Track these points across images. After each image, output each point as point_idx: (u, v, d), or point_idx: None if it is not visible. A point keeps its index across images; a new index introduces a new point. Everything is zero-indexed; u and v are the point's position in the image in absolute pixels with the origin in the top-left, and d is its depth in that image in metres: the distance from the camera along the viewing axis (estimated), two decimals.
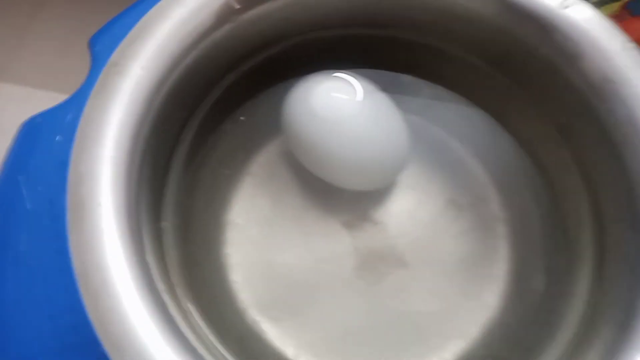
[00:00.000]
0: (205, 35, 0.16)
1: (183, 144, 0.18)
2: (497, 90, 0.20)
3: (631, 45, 0.16)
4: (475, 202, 0.21)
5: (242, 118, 0.20)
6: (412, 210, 0.21)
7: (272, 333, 0.19)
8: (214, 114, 0.19)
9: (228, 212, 0.20)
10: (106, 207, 0.13)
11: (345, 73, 0.19)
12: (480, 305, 0.19)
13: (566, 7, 0.16)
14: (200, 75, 0.17)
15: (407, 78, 0.21)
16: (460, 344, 0.19)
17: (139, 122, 0.15)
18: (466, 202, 0.21)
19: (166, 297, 0.14)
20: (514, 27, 0.17)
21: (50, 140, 0.25)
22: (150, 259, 0.14)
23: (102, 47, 0.26)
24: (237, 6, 0.17)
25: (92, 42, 0.26)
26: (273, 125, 0.20)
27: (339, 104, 0.18)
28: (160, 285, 0.14)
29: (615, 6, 0.28)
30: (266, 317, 0.19)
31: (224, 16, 0.16)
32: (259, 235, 0.20)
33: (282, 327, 0.19)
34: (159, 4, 0.16)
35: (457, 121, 0.21)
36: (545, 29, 0.16)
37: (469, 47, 0.19)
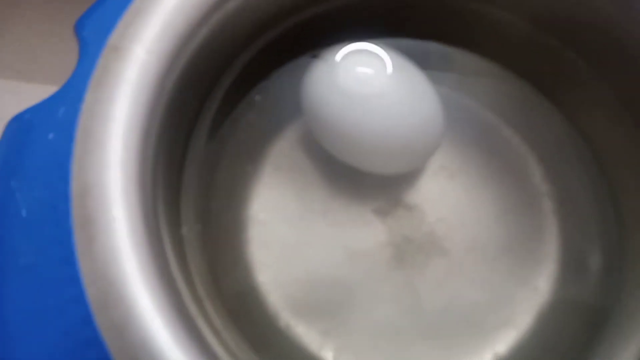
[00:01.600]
0: (215, 8, 0.14)
1: (197, 136, 0.16)
2: (541, 55, 0.18)
3: None
4: (516, 177, 0.19)
5: (257, 97, 0.18)
6: (448, 191, 0.19)
7: (309, 337, 0.17)
8: (229, 98, 0.17)
9: (248, 207, 0.18)
10: (121, 220, 0.11)
11: (370, 44, 0.17)
12: (531, 290, 0.18)
13: None
14: (213, 55, 0.15)
15: (436, 46, 0.19)
16: (512, 334, 0.17)
17: (149, 115, 0.13)
18: (506, 178, 0.19)
19: (200, 322, 0.12)
20: None
21: (42, 139, 0.23)
22: (177, 275, 0.12)
23: (91, 30, 0.23)
24: None
25: (79, 26, 0.24)
26: (290, 108, 0.18)
27: (366, 79, 0.16)
28: (193, 308, 0.12)
29: None
30: (300, 319, 0.18)
31: None
32: (283, 231, 0.18)
33: (319, 330, 0.17)
34: None
35: (493, 92, 0.19)
36: None
37: (511, 6, 0.17)
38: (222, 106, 0.17)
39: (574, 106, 0.18)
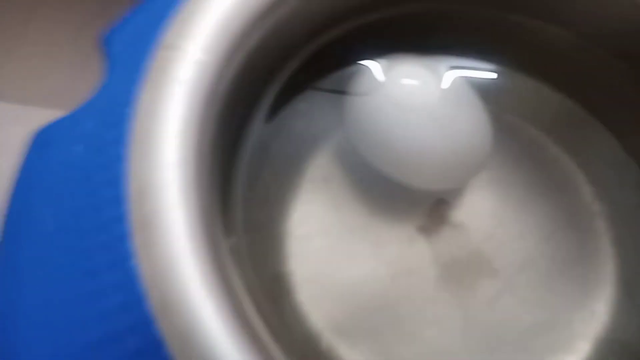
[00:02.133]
0: (268, 12, 0.14)
1: (244, 143, 0.16)
2: (590, 73, 0.17)
3: None
4: (566, 196, 0.18)
5: (302, 105, 0.17)
6: (495, 209, 0.18)
7: (352, 359, 0.16)
8: (276, 104, 0.16)
9: (286, 221, 0.18)
10: (181, 223, 0.11)
11: (419, 58, 0.16)
12: (588, 314, 0.17)
13: None
14: (263, 59, 0.14)
15: (482, 64, 0.19)
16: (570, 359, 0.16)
17: (204, 116, 0.12)
18: (555, 197, 0.18)
19: (262, 332, 0.11)
20: None
21: (68, 152, 0.22)
22: (237, 283, 0.12)
23: (122, 46, 0.23)
24: None
25: (108, 41, 0.23)
26: (331, 119, 0.18)
27: (415, 92, 0.16)
28: (254, 318, 0.11)
29: None
30: (343, 341, 0.17)
31: None
32: (323, 248, 0.18)
33: (363, 352, 0.16)
34: None
35: (540, 110, 0.19)
36: None
37: (559, 20, 0.16)
38: (269, 112, 0.16)
39: (622, 124, 0.18)
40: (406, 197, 0.18)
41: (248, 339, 0.10)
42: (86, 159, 0.22)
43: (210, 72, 0.13)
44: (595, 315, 0.17)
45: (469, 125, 0.17)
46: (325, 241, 0.18)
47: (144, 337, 0.19)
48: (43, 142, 0.23)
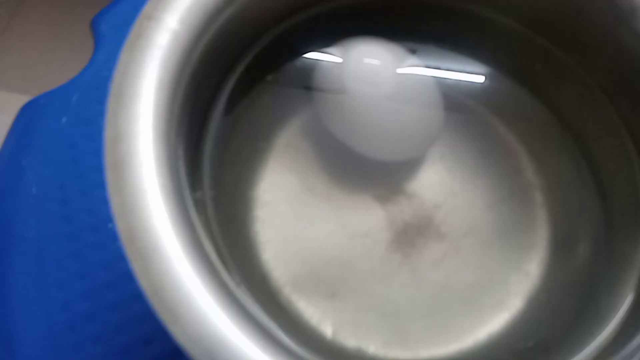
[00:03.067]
0: None
1: (216, 108, 0.17)
2: (531, 54, 0.19)
3: None
4: (509, 171, 0.20)
5: (269, 78, 0.19)
6: (445, 181, 0.20)
7: (309, 312, 0.18)
8: (245, 78, 0.18)
9: (256, 187, 0.19)
10: (148, 165, 0.12)
11: (379, 39, 0.18)
12: (523, 275, 0.18)
13: None
14: (236, 33, 0.16)
15: (430, 47, 0.20)
16: (505, 315, 0.18)
17: (176, 79, 0.14)
18: (499, 171, 0.20)
19: (219, 266, 0.13)
20: None
21: (55, 122, 0.24)
22: (198, 228, 0.13)
23: (108, 26, 0.25)
24: None
25: (95, 22, 0.25)
26: (301, 95, 0.20)
27: (375, 69, 0.18)
28: (213, 255, 0.13)
29: None
30: (301, 296, 0.18)
31: None
32: (288, 212, 0.19)
33: (319, 306, 0.18)
34: None
35: (484, 89, 0.20)
36: None
37: (504, 8, 0.18)
38: (239, 84, 0.18)
39: (562, 101, 0.20)
40: (366, 168, 0.20)
41: (203, 261, 0.12)
42: (71, 130, 0.24)
43: (184, 40, 0.14)
44: (529, 276, 0.18)
45: (423, 104, 0.19)
46: (289, 206, 0.19)
47: (119, 293, 0.20)
48: (30, 113, 0.24)
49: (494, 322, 0.18)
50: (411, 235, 0.19)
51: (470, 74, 0.20)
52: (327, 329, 0.18)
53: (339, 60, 0.18)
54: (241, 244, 0.18)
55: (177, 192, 0.13)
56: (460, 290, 0.18)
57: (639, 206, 0.17)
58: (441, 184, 0.20)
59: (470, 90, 0.20)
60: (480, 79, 0.21)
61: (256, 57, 0.18)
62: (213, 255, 0.14)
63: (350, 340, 0.18)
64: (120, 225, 0.12)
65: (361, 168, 0.20)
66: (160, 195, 0.12)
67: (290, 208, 0.19)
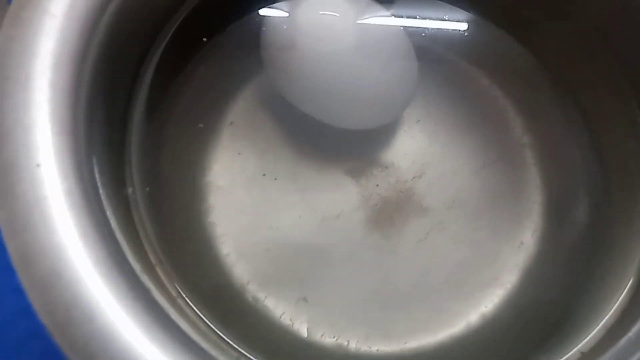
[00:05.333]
0: None
1: (142, 87, 0.14)
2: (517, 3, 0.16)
3: None
4: (495, 130, 0.18)
5: (204, 39, 0.16)
6: (424, 147, 0.17)
7: (279, 311, 0.16)
8: (177, 49, 0.15)
9: (207, 173, 0.17)
10: (48, 167, 0.10)
11: None
12: (516, 246, 0.16)
13: None
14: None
15: None
16: (498, 292, 0.16)
17: (80, 55, 0.11)
18: (484, 131, 0.18)
19: (145, 279, 0.10)
20: None
21: None
22: (119, 235, 0.11)
23: None
24: None
25: None
26: (249, 60, 0.17)
27: (331, 23, 0.15)
28: (137, 266, 0.10)
29: None
30: (269, 293, 0.16)
31: None
32: (247, 197, 0.17)
33: (290, 302, 0.16)
34: None
35: (466, 39, 0.18)
36: None
37: None
38: (169, 58, 0.15)
39: (551, 48, 0.17)
40: (334, 139, 0.17)
41: (125, 280, 0.09)
42: None
43: (87, 3, 0.11)
44: (523, 246, 0.16)
45: (393, 60, 0.16)
46: (247, 191, 0.17)
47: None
48: None
49: (487, 301, 0.16)
50: (389, 213, 0.17)
51: (448, 22, 0.18)
52: (302, 328, 0.16)
53: (289, 14, 0.15)
54: (194, 240, 0.16)
55: (88, 197, 0.10)
56: (448, 271, 0.16)
57: (636, 168, 0.15)
58: (420, 150, 0.17)
59: (449, 41, 0.18)
60: (461, 27, 0.18)
61: (187, 22, 0.15)
62: (151, 260, 0.11)
63: (328, 338, 0.16)
64: (11, 246, 0.09)
65: (328, 139, 0.17)
66: (64, 204, 0.10)
67: (249, 193, 0.17)
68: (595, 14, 0.15)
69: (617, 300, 0.14)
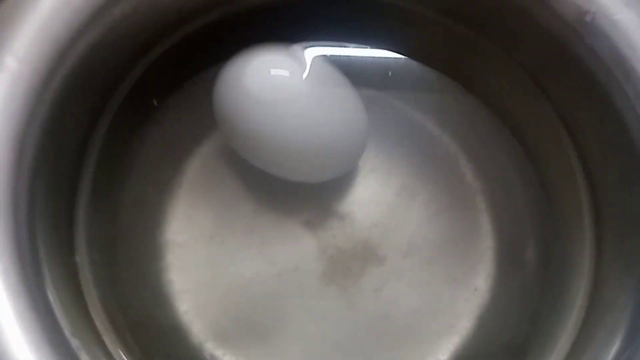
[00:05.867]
0: (100, 13, 0.13)
1: (91, 153, 0.15)
2: (455, 46, 0.17)
3: None
4: (447, 176, 0.18)
5: (154, 102, 0.16)
6: (379, 195, 0.18)
7: None
8: (127, 113, 0.15)
9: (164, 231, 0.17)
10: None
11: (282, 47, 0.16)
12: (471, 291, 0.17)
13: None
14: (105, 62, 0.13)
15: (355, 49, 0.18)
16: (454, 340, 0.16)
17: (22, 127, 0.11)
18: (437, 178, 0.18)
19: (82, 355, 0.10)
20: None
21: None
22: (58, 306, 0.11)
23: None
24: None
25: None
26: (205, 119, 0.17)
27: (279, 82, 0.15)
28: (75, 341, 0.10)
29: None
30: (227, 349, 0.16)
31: None
32: (205, 253, 0.17)
33: (249, 356, 0.16)
34: None
35: (414, 88, 0.18)
36: None
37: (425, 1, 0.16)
38: (122, 119, 0.15)
39: (495, 95, 0.18)
40: (291, 193, 0.18)
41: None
42: None
43: (27, 82, 0.12)
44: (477, 291, 0.17)
45: (342, 113, 0.17)
46: (206, 247, 0.17)
47: None
48: None
49: (443, 348, 0.16)
50: (346, 263, 0.17)
51: (397, 73, 0.18)
52: None
53: (237, 73, 0.15)
54: (152, 299, 0.16)
55: (26, 275, 0.10)
56: (405, 319, 0.16)
57: (581, 204, 0.16)
58: (375, 199, 0.18)
59: (400, 93, 0.18)
60: (408, 75, 0.19)
61: (138, 85, 0.15)
62: (97, 329, 0.11)
63: None
64: None
65: (285, 193, 0.18)
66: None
67: (207, 249, 0.17)
68: (533, 61, 0.16)
69: (565, 335, 0.15)
